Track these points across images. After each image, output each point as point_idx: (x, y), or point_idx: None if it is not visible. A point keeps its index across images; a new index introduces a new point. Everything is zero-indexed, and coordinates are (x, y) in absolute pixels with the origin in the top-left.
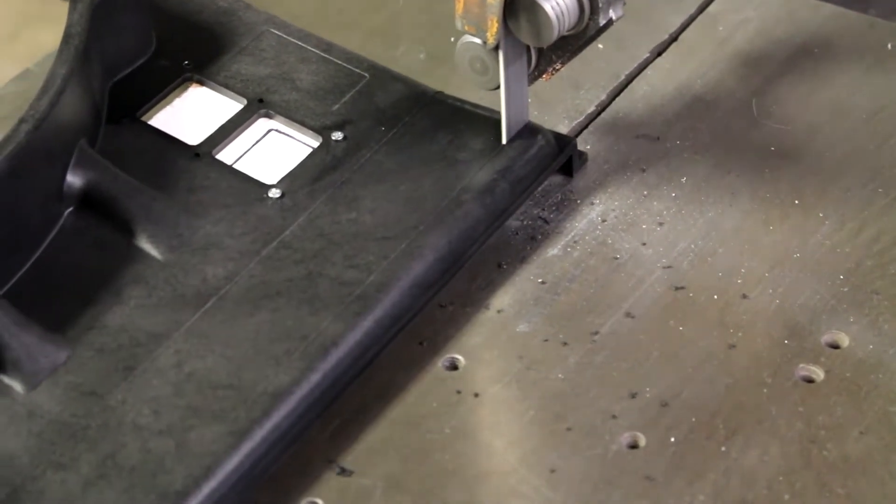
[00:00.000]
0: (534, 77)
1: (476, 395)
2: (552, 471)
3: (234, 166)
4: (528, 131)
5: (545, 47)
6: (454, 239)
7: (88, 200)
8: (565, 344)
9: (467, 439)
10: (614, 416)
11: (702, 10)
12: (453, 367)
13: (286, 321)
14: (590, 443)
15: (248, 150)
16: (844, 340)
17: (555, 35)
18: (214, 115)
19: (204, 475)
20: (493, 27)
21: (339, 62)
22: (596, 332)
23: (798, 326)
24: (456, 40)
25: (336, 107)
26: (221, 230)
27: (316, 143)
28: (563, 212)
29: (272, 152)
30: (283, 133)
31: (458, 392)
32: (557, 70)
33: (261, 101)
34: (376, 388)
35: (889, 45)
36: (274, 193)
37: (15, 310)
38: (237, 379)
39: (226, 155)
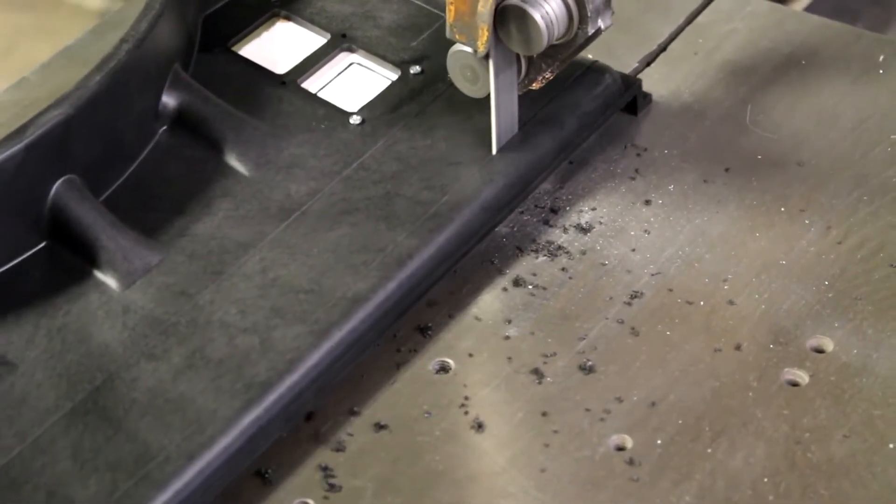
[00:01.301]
0: (524, 85)
1: (466, 397)
2: (541, 472)
3: (318, 95)
4: (596, 70)
5: (535, 56)
6: (522, 167)
7: (181, 120)
8: (554, 348)
9: (457, 441)
10: (602, 419)
11: (690, 20)
12: (443, 370)
13: (364, 235)
14: (578, 445)
15: (331, 80)
16: (829, 345)
17: (544, 44)
18: (300, 48)
19: (286, 369)
20: (484, 36)
21: (419, 3)
22: (584, 337)
23: (783, 331)
24: None
25: (414, 43)
26: (305, 151)
27: (395, 76)
28: (552, 218)
29: (353, 83)
30: (364, 66)
31: (448, 395)
32: (547, 78)
33: (343, 35)
34: (367, 391)
35: (881, 57)
36: (355, 120)
37: (112, 214)
38: (318, 285)
39: (310, 84)
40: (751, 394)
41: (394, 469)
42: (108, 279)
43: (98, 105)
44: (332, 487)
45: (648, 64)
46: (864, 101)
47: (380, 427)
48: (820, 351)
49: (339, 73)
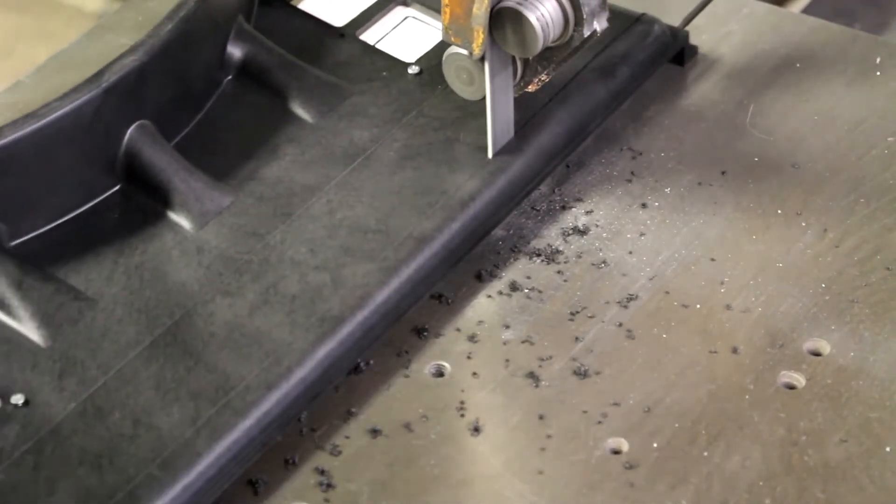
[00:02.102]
0: (520, 87)
1: (461, 401)
2: (537, 475)
3: (376, 46)
4: (646, 22)
5: (531, 58)
6: (577, 114)
7: (246, 70)
8: (550, 351)
9: (453, 445)
10: (598, 422)
11: (687, 22)
12: (439, 373)
13: (427, 178)
14: (573, 448)
15: (388, 33)
16: (826, 348)
17: (540, 46)
18: (356, 2)
19: (358, 304)
20: (479, 38)
21: None
22: (580, 340)
23: (780, 334)
24: None
25: None
26: (366, 100)
27: None
28: (548, 221)
29: (409, 36)
30: (419, 20)
31: (445, 398)
32: (543, 81)
33: None
34: (363, 394)
35: (878, 59)
36: (413, 70)
37: (184, 158)
38: (384, 225)
39: (367, 37)
40: (747, 397)
41: (389, 473)
42: (182, 220)
43: (169, 53)
44: (327, 490)
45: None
46: (860, 102)
47: (375, 430)
48: (816, 354)
49: (395, 27)
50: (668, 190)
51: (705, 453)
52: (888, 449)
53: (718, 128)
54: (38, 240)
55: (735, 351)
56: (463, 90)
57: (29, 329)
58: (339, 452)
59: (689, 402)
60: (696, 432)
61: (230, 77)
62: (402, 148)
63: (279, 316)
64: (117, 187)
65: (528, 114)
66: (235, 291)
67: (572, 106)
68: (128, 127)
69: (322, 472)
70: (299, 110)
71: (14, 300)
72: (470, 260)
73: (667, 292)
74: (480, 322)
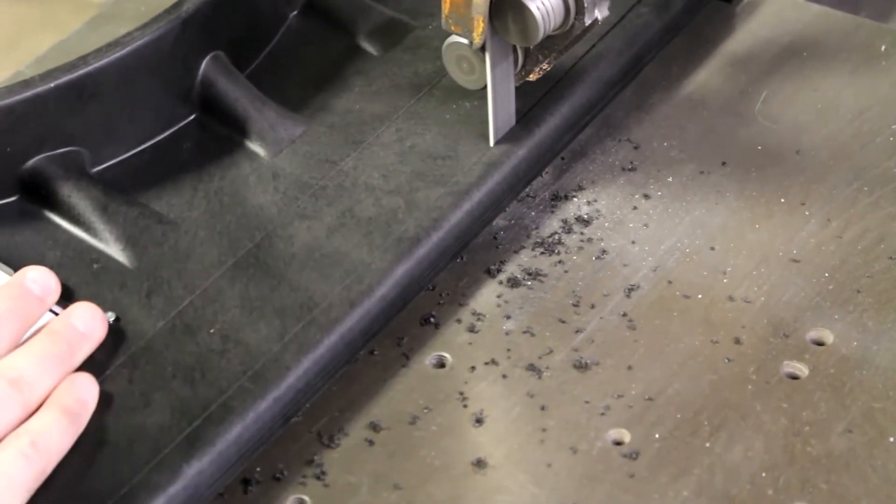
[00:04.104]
0: (521, 77)
1: (462, 392)
2: (538, 467)
3: None
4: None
5: (531, 47)
6: (633, 45)
7: (311, 5)
8: (551, 342)
9: (453, 436)
10: (600, 413)
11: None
12: (440, 364)
13: None
14: (575, 439)
15: None
16: (829, 337)
17: (540, 35)
18: None
19: (432, 226)
20: (480, 27)
21: None
22: (582, 330)
23: (783, 323)
24: None
25: None
26: (429, 34)
27: None
28: (549, 210)
29: None
30: None
31: (445, 390)
32: (545, 70)
33: None
34: (363, 386)
35: (882, 47)
36: None
37: (256, 89)
38: (454, 151)
39: None
40: (750, 387)
41: (389, 465)
42: (257, 148)
43: None
44: (327, 484)
45: None
46: (864, 90)
47: (375, 422)
48: (820, 343)
49: None
50: (670, 179)
51: (707, 444)
52: (892, 439)
53: (721, 116)
54: (119, 167)
55: (737, 341)
56: (463, 79)
57: (115, 251)
58: (339, 444)
59: (692, 393)
60: (698, 423)
61: (295, 13)
62: None
63: (357, 238)
64: (193, 116)
65: (587, 45)
66: (312, 215)
67: (628, 37)
68: (203, 57)
69: (321, 465)
70: (364, 44)
71: (99, 224)
72: (470, 250)
73: (669, 282)
74: (481, 313)
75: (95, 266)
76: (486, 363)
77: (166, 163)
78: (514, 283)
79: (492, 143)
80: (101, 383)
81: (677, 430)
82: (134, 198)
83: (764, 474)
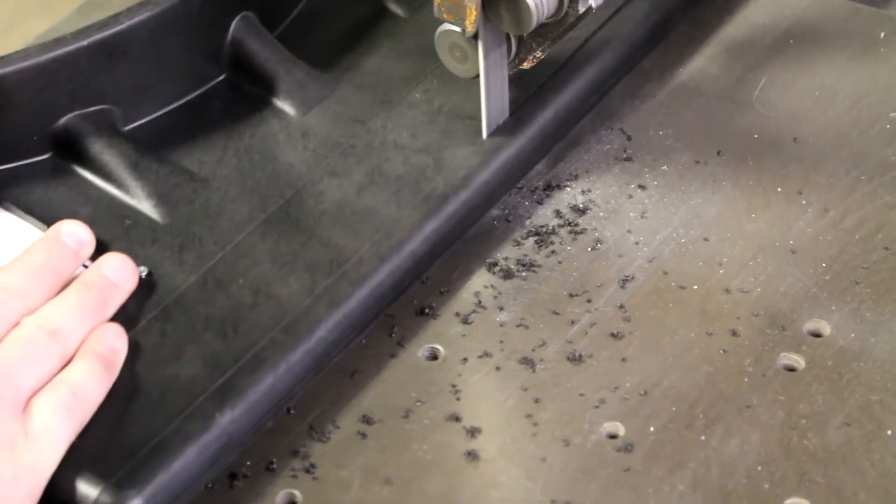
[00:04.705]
0: (514, 65)
1: (455, 385)
2: (531, 460)
3: None
4: None
5: (525, 35)
6: (661, 8)
7: None
8: (545, 334)
9: (446, 430)
10: (594, 406)
11: None
12: (433, 357)
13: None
14: (569, 432)
15: None
16: (826, 329)
17: (534, 23)
18: None
19: (461, 184)
20: (472, 15)
21: None
22: (576, 322)
23: (780, 315)
24: None
25: None
26: None
27: None
28: (544, 200)
29: None
30: None
31: (438, 382)
32: (538, 58)
33: None
34: (355, 378)
35: (881, 34)
36: None
37: (285, 49)
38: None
39: None
40: (746, 379)
41: (381, 459)
42: (286, 107)
43: None
44: (318, 477)
45: None
46: (862, 78)
47: (367, 416)
48: (817, 335)
49: None
50: (665, 168)
51: (703, 437)
52: (890, 432)
53: (718, 104)
54: (150, 125)
55: (734, 332)
56: (456, 68)
57: (147, 207)
58: (329, 438)
59: (687, 386)
60: (693, 416)
61: None
62: None
63: (386, 195)
64: (223, 76)
65: (610, 10)
66: (342, 172)
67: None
68: (233, 17)
69: (312, 458)
70: (392, 5)
71: (131, 180)
72: (464, 241)
73: (664, 273)
74: (474, 304)
75: (127, 222)
76: (480, 355)
77: (196, 122)
78: (507, 274)
79: (484, 134)
80: (133, 336)
81: (672, 423)
82: (165, 156)
83: (760, 468)
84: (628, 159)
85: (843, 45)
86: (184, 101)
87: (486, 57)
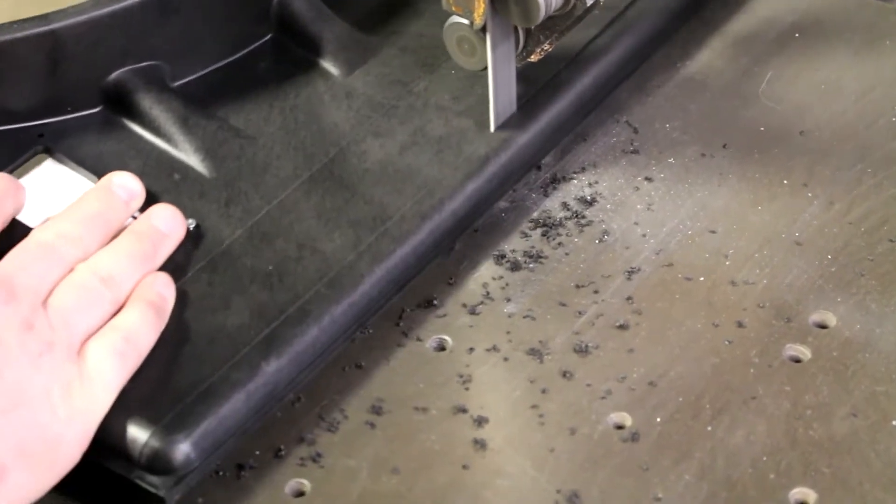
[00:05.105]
0: (522, 58)
1: (462, 375)
2: (538, 450)
3: None
4: None
5: (533, 28)
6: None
7: None
8: (552, 325)
9: (454, 420)
10: (601, 397)
11: None
12: (441, 348)
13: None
14: (576, 422)
15: None
16: (832, 320)
17: (542, 15)
18: None
19: (501, 147)
20: (481, 7)
21: None
22: (583, 313)
23: (785, 306)
24: None
25: None
26: None
27: None
28: (551, 192)
29: None
30: None
31: (446, 373)
32: (546, 50)
33: None
34: (363, 369)
35: (887, 27)
36: None
37: (331, 11)
38: (523, 77)
39: None
40: (752, 370)
41: (389, 449)
42: (331, 68)
43: None
44: (326, 467)
45: None
46: (868, 71)
47: (375, 406)
48: (822, 326)
49: None
50: (672, 161)
51: (709, 427)
52: (895, 423)
53: (724, 97)
54: (198, 83)
55: (740, 324)
56: (464, 61)
57: (195, 162)
58: (338, 428)
59: (693, 376)
60: (700, 406)
61: None
62: None
63: (428, 155)
64: (269, 36)
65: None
66: (385, 132)
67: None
68: None
69: (320, 448)
70: None
71: (180, 135)
72: (471, 232)
73: (670, 265)
74: (482, 295)
75: (176, 176)
76: (487, 347)
77: (243, 80)
78: (515, 265)
79: (492, 127)
80: (181, 286)
81: (679, 414)
82: (212, 113)
83: (766, 458)
84: (635, 152)
85: (848, 39)
86: (231, 59)
87: (494, 50)
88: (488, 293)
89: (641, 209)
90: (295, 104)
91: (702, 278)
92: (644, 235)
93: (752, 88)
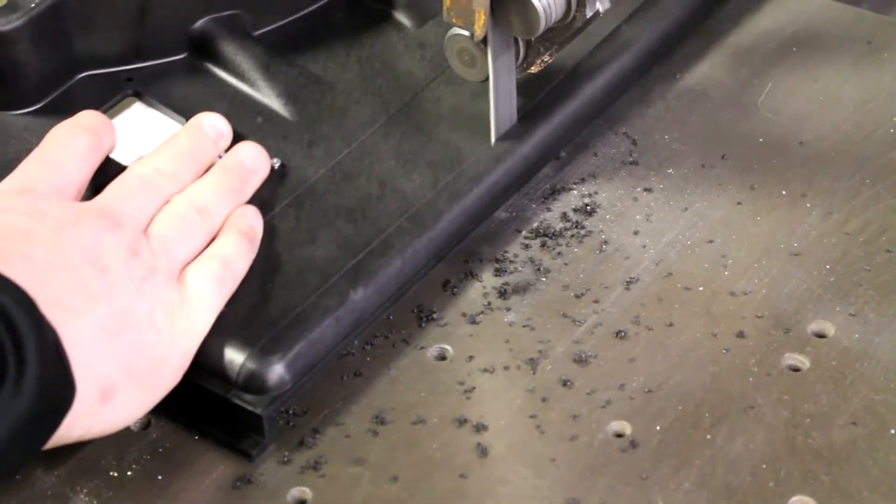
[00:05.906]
0: (522, 69)
1: (462, 384)
2: (539, 459)
3: None
4: None
5: (533, 39)
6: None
7: None
8: (552, 334)
9: (454, 429)
10: (601, 406)
11: None
12: (441, 357)
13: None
14: (576, 431)
15: None
16: (830, 330)
17: (542, 27)
18: None
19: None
20: (481, 19)
21: None
22: (583, 322)
23: (784, 316)
24: None
25: None
26: None
27: None
28: (550, 203)
29: None
30: None
31: (447, 382)
32: (546, 62)
33: None
34: (364, 378)
35: (884, 39)
36: None
37: None
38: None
39: None
40: (751, 379)
41: (390, 457)
42: (404, 19)
43: None
44: (328, 475)
45: None
46: (865, 82)
47: (376, 415)
48: (821, 336)
49: None
50: (671, 171)
51: (708, 436)
52: (893, 431)
53: (723, 108)
54: (277, 32)
55: (739, 333)
56: (465, 72)
57: (277, 105)
58: (339, 437)
59: (693, 385)
60: (699, 415)
61: None
62: None
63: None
64: None
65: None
66: (456, 80)
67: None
68: None
69: (322, 456)
70: None
71: (262, 80)
72: (471, 241)
73: (670, 275)
74: (482, 305)
75: (259, 119)
76: (488, 356)
77: (321, 31)
78: (515, 274)
79: (493, 140)
80: (269, 220)
81: (678, 422)
82: (292, 60)
83: (765, 466)
84: (634, 163)
85: (847, 51)
86: (308, 10)
87: (494, 61)
88: (489, 303)
89: (641, 220)
90: (371, 53)
91: (701, 288)
92: (643, 246)
93: (752, 99)
